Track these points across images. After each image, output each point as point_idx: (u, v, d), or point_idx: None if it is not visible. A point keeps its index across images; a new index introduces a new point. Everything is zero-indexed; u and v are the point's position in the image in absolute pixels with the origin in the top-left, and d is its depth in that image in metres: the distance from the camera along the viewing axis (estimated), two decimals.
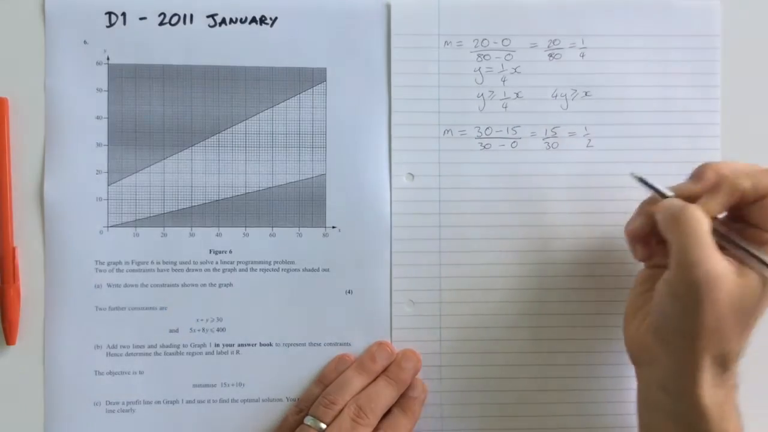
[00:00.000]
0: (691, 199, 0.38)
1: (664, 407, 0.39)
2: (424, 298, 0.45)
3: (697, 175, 0.39)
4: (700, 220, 0.36)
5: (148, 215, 0.45)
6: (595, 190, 0.46)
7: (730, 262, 0.36)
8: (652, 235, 0.40)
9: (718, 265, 0.35)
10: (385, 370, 0.44)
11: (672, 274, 0.37)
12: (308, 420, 0.42)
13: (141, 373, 0.45)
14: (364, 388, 0.43)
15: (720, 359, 0.37)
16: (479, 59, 0.46)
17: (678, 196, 0.39)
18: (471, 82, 0.46)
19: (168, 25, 0.45)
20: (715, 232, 0.36)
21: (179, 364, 0.45)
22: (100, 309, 0.45)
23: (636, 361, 0.41)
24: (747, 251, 0.37)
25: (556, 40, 0.46)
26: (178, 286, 0.45)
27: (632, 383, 0.41)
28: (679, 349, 0.37)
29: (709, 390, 0.37)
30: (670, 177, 0.45)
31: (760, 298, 0.36)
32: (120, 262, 0.45)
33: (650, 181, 0.40)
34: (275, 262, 0.45)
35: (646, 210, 0.40)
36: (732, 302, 0.36)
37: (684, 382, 0.37)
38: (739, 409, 0.38)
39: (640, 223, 0.40)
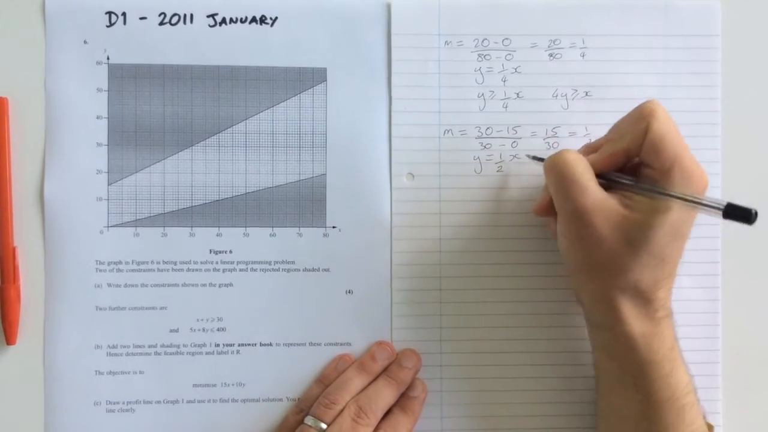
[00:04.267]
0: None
1: (599, 342, 0.41)
2: (424, 298, 0.45)
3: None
4: (571, 163, 0.38)
5: (148, 215, 0.45)
6: None
7: (615, 197, 0.37)
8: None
9: (589, 198, 0.37)
10: (385, 370, 0.44)
11: (558, 218, 0.39)
12: (308, 420, 0.42)
13: (141, 372, 0.45)
14: (364, 388, 0.43)
15: (633, 291, 0.38)
16: (479, 59, 0.46)
17: None
18: (471, 82, 0.46)
19: (168, 24, 0.45)
20: (607, 178, 0.39)
21: (179, 364, 0.45)
22: (100, 309, 0.45)
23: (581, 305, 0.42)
24: (629, 183, 0.38)
25: (556, 39, 0.46)
26: (178, 285, 0.45)
27: None
28: (589, 287, 0.39)
29: (632, 321, 0.38)
30: None
31: (649, 228, 0.36)
32: (120, 262, 0.45)
33: (541, 156, 0.43)
34: (275, 262, 0.45)
35: (545, 185, 0.42)
36: (616, 233, 0.37)
37: (606, 316, 0.39)
38: (674, 338, 0.39)
39: (542, 196, 0.42)
